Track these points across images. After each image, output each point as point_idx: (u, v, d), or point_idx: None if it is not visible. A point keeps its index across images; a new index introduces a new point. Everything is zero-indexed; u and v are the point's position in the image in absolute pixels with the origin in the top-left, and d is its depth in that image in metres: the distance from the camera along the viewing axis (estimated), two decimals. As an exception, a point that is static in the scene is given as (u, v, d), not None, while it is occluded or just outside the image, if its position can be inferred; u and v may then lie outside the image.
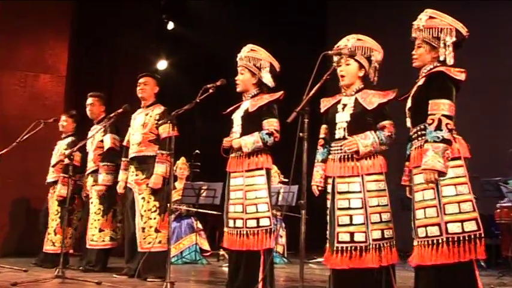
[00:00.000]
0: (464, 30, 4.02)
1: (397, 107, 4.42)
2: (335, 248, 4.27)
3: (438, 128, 3.78)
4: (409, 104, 4.10)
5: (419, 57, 4.06)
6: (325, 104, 4.62)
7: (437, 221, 3.82)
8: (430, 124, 3.81)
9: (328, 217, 4.41)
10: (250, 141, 4.86)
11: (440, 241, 3.79)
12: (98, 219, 6.66)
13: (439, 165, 3.73)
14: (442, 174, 3.76)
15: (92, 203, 6.72)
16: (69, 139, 7.34)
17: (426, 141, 3.83)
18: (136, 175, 6.08)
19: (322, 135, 4.64)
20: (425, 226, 3.87)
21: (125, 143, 6.40)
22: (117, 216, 6.77)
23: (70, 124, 7.48)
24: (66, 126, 7.46)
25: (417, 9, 4.15)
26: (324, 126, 4.63)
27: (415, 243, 3.96)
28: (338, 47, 4.49)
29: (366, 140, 4.30)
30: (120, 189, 6.30)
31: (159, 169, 5.91)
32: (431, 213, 3.85)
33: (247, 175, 4.89)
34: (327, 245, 4.39)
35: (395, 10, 9.23)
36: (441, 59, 3.97)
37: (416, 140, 4.03)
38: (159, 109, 6.21)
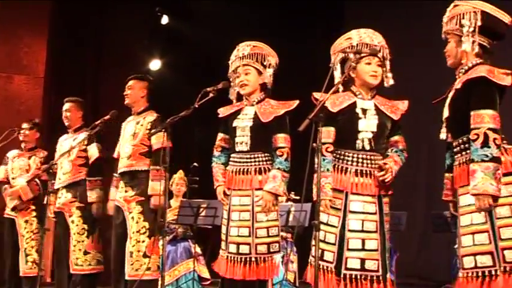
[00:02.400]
0: (507, 18, 3.94)
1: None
2: (342, 275, 4.28)
3: (485, 144, 3.68)
4: (445, 113, 4.03)
5: (450, 54, 4.05)
6: (332, 101, 4.47)
7: (490, 248, 3.70)
8: (474, 140, 3.72)
9: (332, 236, 4.38)
10: (279, 185, 4.86)
11: (493, 272, 3.67)
12: (83, 241, 6.64)
13: (492, 189, 3.63)
14: (496, 198, 3.66)
15: (72, 222, 6.68)
16: (41, 153, 7.45)
17: (472, 161, 3.73)
18: (126, 191, 6.08)
19: (330, 140, 4.49)
20: (474, 255, 3.76)
21: (115, 155, 6.40)
22: (103, 235, 6.78)
23: (33, 134, 7.54)
24: (29, 136, 7.50)
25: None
26: (331, 129, 4.49)
27: (459, 274, 3.86)
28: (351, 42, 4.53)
29: (396, 166, 4.40)
30: (111, 210, 6.30)
31: (157, 187, 5.85)
32: (482, 240, 3.73)
33: (257, 194, 4.92)
34: (311, 262, 4.33)
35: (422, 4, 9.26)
36: (463, 47, 3.90)
37: (459, 155, 3.96)
38: (151, 116, 6.20)
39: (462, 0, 4.03)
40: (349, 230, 4.32)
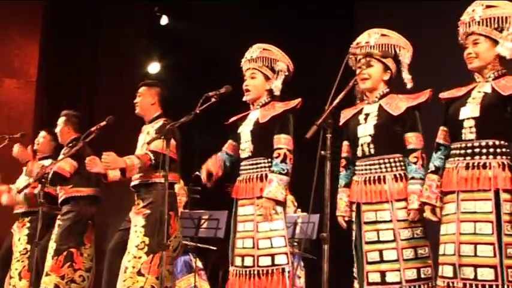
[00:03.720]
0: None
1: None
2: None
3: None
4: (475, 112, 4.04)
5: (479, 56, 4.07)
6: (345, 115, 4.67)
7: (494, 262, 3.81)
8: None
9: (354, 252, 4.46)
10: (277, 187, 4.82)
11: None
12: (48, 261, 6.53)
13: None
14: None
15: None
16: (48, 161, 7.23)
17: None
18: (137, 204, 5.96)
19: (344, 154, 4.68)
20: (475, 266, 3.86)
21: None
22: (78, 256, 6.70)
23: (48, 143, 7.41)
24: (43, 144, 7.40)
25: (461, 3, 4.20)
26: (345, 143, 4.68)
27: (440, 283, 3.98)
28: (358, 43, 4.57)
29: (416, 197, 4.29)
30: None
31: (131, 162, 5.71)
32: (486, 252, 3.84)
33: (259, 202, 4.90)
34: (355, 284, 4.42)
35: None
36: (500, 52, 3.98)
37: (469, 157, 4.01)
38: (158, 124, 6.09)
39: (491, 1, 4.08)
40: (366, 242, 4.36)
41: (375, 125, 4.42)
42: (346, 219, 4.56)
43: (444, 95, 4.32)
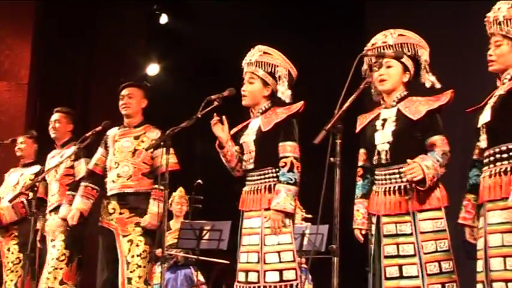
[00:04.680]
0: None
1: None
2: None
3: None
4: (487, 116, 4.03)
5: (499, 59, 4.04)
6: (361, 121, 4.65)
7: None
8: None
9: (371, 268, 4.41)
10: (284, 200, 4.79)
11: None
12: (61, 268, 6.56)
13: None
14: None
15: (53, 246, 6.60)
16: (35, 167, 7.38)
17: None
18: (120, 213, 6.07)
19: (361, 163, 4.65)
20: (506, 281, 3.79)
21: (91, 167, 6.36)
22: (82, 266, 6.71)
23: (30, 147, 7.52)
24: (25, 150, 7.50)
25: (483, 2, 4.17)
26: (362, 151, 4.66)
27: None
28: (374, 44, 4.53)
29: (425, 161, 4.22)
30: (74, 219, 6.20)
31: (155, 208, 5.93)
32: None
33: (266, 214, 4.87)
34: None
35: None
36: None
37: (492, 165, 3.97)
38: (153, 133, 6.18)
39: None
40: (385, 257, 4.32)
41: (393, 131, 4.38)
42: (363, 232, 4.53)
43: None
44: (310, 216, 8.73)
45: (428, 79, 4.49)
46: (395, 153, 4.36)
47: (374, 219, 4.44)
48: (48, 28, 9.87)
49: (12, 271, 7.14)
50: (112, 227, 6.10)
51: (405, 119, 4.38)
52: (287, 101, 5.02)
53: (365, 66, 4.63)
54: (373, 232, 4.44)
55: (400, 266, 4.25)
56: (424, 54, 4.51)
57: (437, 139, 4.32)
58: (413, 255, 4.24)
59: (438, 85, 4.47)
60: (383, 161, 4.39)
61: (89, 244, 6.62)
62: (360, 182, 4.63)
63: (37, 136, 7.60)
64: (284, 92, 5.00)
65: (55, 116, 7.02)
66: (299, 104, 4.97)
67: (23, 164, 7.53)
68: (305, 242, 8.15)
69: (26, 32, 9.47)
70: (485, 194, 3.98)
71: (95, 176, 6.29)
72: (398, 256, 4.27)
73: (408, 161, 4.21)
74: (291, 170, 4.82)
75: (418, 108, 4.37)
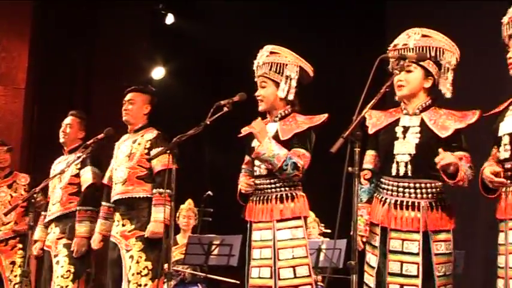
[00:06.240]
0: None
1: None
2: None
3: None
4: (508, 129, 4.06)
5: None
6: (375, 122, 4.62)
7: None
8: None
9: (371, 279, 4.43)
10: (273, 151, 4.80)
11: None
12: (67, 286, 6.60)
13: None
14: None
15: (57, 262, 6.64)
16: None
17: None
18: (123, 225, 6.09)
19: (369, 165, 4.63)
20: None
21: (105, 181, 6.44)
22: (91, 282, 6.77)
23: (8, 157, 7.71)
24: (6, 159, 7.68)
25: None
26: (371, 153, 4.65)
27: None
28: (395, 46, 4.55)
29: (461, 162, 4.26)
30: (95, 243, 6.33)
31: (159, 215, 5.91)
32: None
33: (279, 226, 4.90)
34: None
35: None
36: None
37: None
38: (150, 134, 6.23)
39: None
40: (389, 274, 4.35)
41: (418, 144, 4.40)
42: (364, 239, 4.53)
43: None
44: (328, 231, 8.74)
45: (446, 87, 4.50)
46: (415, 167, 4.38)
47: (378, 230, 4.46)
48: (47, 29, 9.89)
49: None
50: (117, 240, 6.14)
51: (431, 133, 4.41)
52: (290, 98, 5.02)
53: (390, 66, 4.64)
54: (377, 244, 4.46)
55: (402, 286, 4.30)
56: (449, 58, 4.50)
57: (462, 155, 4.36)
58: (416, 276, 4.26)
59: (448, 95, 4.50)
60: (400, 173, 4.42)
61: (101, 258, 6.63)
62: (366, 185, 4.60)
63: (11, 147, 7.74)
64: (284, 89, 4.99)
65: (68, 120, 7.05)
66: (322, 117, 5.00)
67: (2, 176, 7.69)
68: (321, 257, 8.15)
69: (23, 33, 9.49)
70: (508, 210, 4.00)
71: (111, 191, 6.33)
72: (400, 275, 4.31)
73: (440, 150, 4.22)
74: (296, 168, 4.82)
75: (444, 124, 4.40)
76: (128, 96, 6.34)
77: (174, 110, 9.79)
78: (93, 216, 6.59)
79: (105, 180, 6.42)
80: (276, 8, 10.75)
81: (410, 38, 4.52)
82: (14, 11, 9.47)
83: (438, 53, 4.48)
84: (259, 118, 5.03)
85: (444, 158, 4.15)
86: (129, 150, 6.22)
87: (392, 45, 4.62)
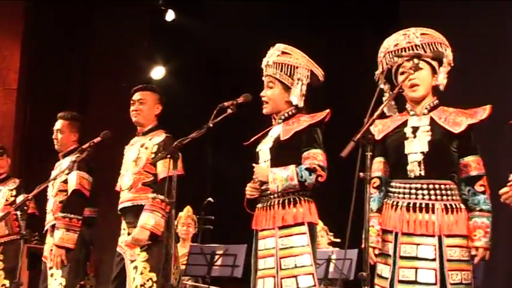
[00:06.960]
0: None
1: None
2: None
3: None
4: None
5: None
6: (381, 128, 4.60)
7: None
8: None
9: None
10: (282, 177, 4.80)
11: None
12: None
13: None
14: None
15: (51, 275, 6.53)
16: (12, 182, 7.52)
17: None
18: (129, 234, 5.96)
19: (378, 173, 4.59)
20: None
21: (118, 188, 6.35)
22: None
23: (4, 161, 7.69)
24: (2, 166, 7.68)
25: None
26: (379, 160, 4.61)
27: None
28: (396, 45, 4.55)
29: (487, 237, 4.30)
30: None
31: (148, 220, 5.77)
32: None
33: (281, 234, 4.85)
34: None
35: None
36: None
37: None
38: (158, 137, 6.11)
39: None
40: (400, 281, 4.30)
41: (430, 141, 4.38)
42: (377, 251, 4.48)
43: None
44: (338, 240, 8.72)
45: (442, 83, 4.52)
46: (430, 166, 4.37)
47: (391, 237, 4.43)
48: (41, 29, 9.92)
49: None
50: (122, 250, 6.06)
51: (443, 130, 4.40)
52: (300, 105, 5.01)
53: (379, 70, 4.64)
54: (391, 252, 4.41)
55: None
56: (450, 55, 4.54)
57: (473, 160, 4.39)
58: (433, 284, 4.22)
59: (441, 88, 4.51)
60: (413, 173, 4.39)
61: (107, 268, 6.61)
62: (376, 194, 4.56)
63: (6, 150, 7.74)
64: (297, 95, 4.97)
65: (58, 125, 6.91)
66: (324, 113, 4.95)
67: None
68: (331, 268, 8.11)
69: (15, 32, 9.55)
70: None
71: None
72: (416, 283, 4.26)
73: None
74: (311, 171, 4.78)
75: (456, 120, 4.40)
76: (138, 96, 6.22)
77: (174, 110, 9.77)
78: (73, 224, 6.39)
79: (117, 187, 6.34)
80: (277, 8, 10.79)
81: (411, 37, 4.54)
82: (6, 10, 9.52)
83: (444, 49, 4.53)
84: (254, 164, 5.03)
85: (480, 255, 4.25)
86: (136, 155, 6.12)
87: (392, 45, 4.61)
